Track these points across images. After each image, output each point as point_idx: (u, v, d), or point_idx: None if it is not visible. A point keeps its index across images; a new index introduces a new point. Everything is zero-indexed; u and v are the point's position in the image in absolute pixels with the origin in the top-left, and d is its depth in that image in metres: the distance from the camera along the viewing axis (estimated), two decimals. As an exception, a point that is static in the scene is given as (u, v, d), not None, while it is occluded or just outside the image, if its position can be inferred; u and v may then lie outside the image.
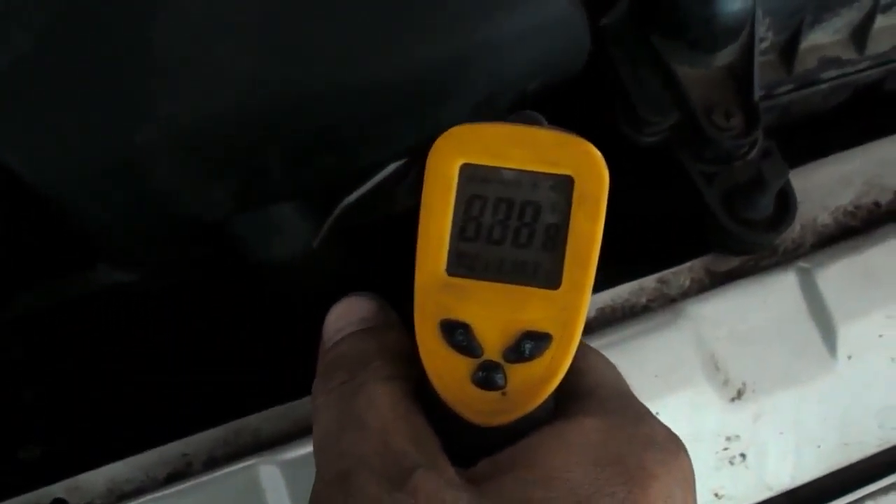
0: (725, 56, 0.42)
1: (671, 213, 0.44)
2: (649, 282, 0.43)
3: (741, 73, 0.41)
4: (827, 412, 0.41)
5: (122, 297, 0.42)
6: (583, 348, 0.29)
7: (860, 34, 0.44)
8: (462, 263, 0.27)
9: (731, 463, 0.40)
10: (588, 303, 0.27)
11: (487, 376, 0.27)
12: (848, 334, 0.41)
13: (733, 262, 0.43)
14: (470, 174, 0.27)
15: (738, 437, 0.40)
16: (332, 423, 0.28)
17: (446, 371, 0.27)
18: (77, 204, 0.35)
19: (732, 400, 0.40)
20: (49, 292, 0.44)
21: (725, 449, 0.40)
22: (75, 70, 0.32)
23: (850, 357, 0.41)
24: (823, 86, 0.45)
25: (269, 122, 0.36)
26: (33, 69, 0.32)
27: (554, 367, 0.27)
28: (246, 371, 0.44)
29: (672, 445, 0.27)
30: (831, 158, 0.45)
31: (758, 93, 0.42)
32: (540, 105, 0.44)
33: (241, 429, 0.39)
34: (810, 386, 0.40)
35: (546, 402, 0.27)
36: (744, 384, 0.40)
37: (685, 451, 0.28)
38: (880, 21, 0.43)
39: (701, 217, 0.43)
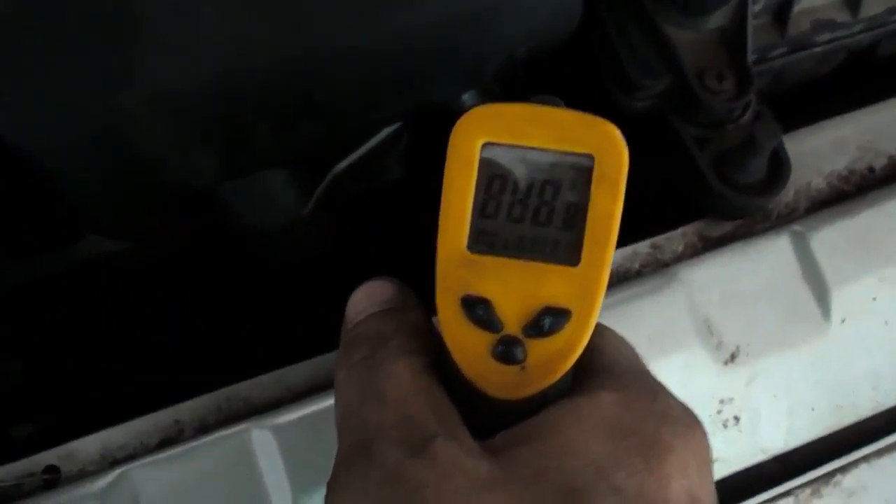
0: (717, 19, 0.42)
1: (664, 179, 0.44)
2: (642, 247, 0.43)
3: (733, 35, 0.41)
4: (820, 375, 0.41)
5: (111, 268, 0.42)
6: (600, 327, 0.30)
7: (853, -3, 0.44)
8: (483, 240, 0.28)
9: (725, 426, 0.40)
10: (607, 279, 0.28)
11: (507, 350, 0.27)
12: (841, 297, 0.41)
13: (727, 227, 0.43)
14: (492, 152, 0.28)
15: (731, 400, 0.40)
16: (354, 396, 0.29)
17: (467, 345, 0.28)
18: (62, 169, 0.35)
19: (726, 363, 0.40)
20: (38, 265, 0.44)
21: (719, 412, 0.40)
22: (57, 31, 0.32)
23: (843, 320, 0.41)
24: (817, 49, 0.44)
25: (255, 87, 0.35)
26: (13, 31, 0.32)
27: (573, 343, 0.27)
28: (237, 339, 0.43)
29: (688, 420, 0.28)
30: (825, 124, 0.45)
31: (750, 55, 0.41)
32: (531, 71, 0.44)
33: (233, 395, 0.39)
34: (804, 349, 0.40)
35: (564, 376, 0.28)
36: (737, 347, 0.40)
37: (701, 426, 0.28)
38: (873, -17, 0.43)
39: (694, 182, 0.43)
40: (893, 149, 0.45)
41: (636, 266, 0.43)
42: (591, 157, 0.27)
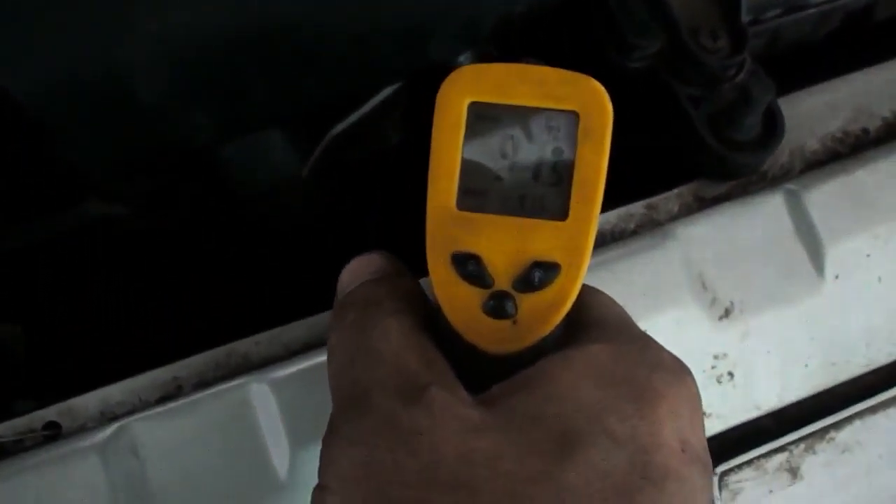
0: (712, -22, 0.42)
1: (660, 139, 0.44)
2: (637, 208, 0.43)
3: (725, -4, 0.41)
4: (814, 332, 0.41)
5: (106, 227, 0.42)
6: (589, 287, 0.30)
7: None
8: (471, 198, 0.28)
9: (719, 381, 0.40)
10: (595, 232, 0.28)
11: (498, 305, 0.28)
12: (835, 254, 0.41)
13: (722, 187, 0.43)
14: (478, 111, 0.28)
15: (725, 355, 0.40)
16: (346, 355, 0.29)
17: (459, 301, 0.28)
18: (61, 125, 0.35)
19: (720, 319, 0.40)
20: (39, 227, 0.44)
21: (713, 367, 0.40)
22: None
23: (837, 277, 0.41)
24: (812, 10, 0.44)
25: (252, 43, 0.35)
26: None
27: (563, 296, 0.28)
28: (235, 299, 0.44)
29: (679, 368, 0.28)
30: (820, 86, 0.45)
31: (745, 14, 0.41)
32: (527, 30, 0.44)
33: (231, 353, 0.40)
34: (798, 305, 0.41)
35: (555, 330, 0.28)
36: (731, 303, 0.40)
37: (691, 374, 0.29)
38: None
39: (690, 141, 0.43)
40: (887, 111, 0.46)
41: (631, 226, 0.43)
42: (576, 114, 0.28)
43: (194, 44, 0.34)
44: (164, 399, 0.39)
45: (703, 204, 0.43)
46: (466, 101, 0.28)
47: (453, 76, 0.28)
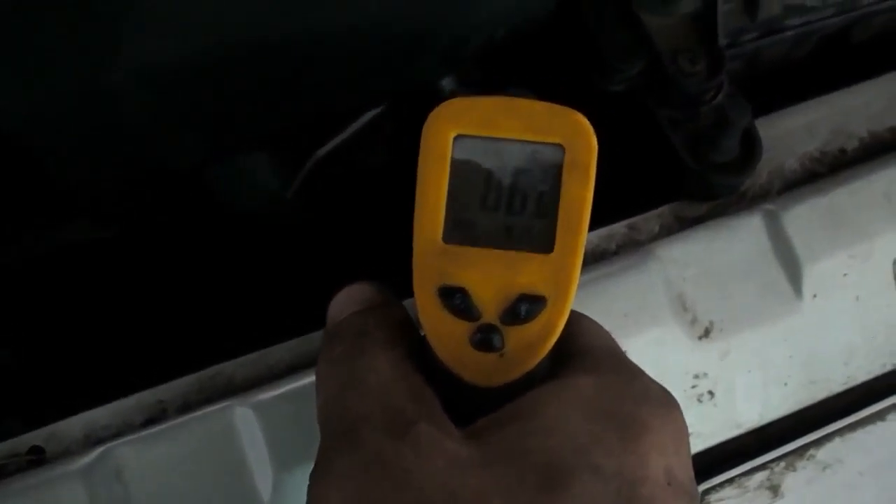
0: (690, 3, 0.43)
1: (641, 160, 0.45)
2: (619, 228, 0.43)
3: (705, 18, 0.42)
4: (793, 351, 0.41)
5: (92, 249, 0.43)
6: (576, 313, 0.31)
7: (822, -20, 0.44)
8: (458, 231, 0.28)
9: (700, 401, 0.40)
10: (580, 265, 0.28)
11: (485, 338, 0.28)
12: (813, 274, 0.41)
13: (702, 207, 0.44)
14: (464, 144, 0.28)
15: (705, 375, 0.40)
16: (335, 387, 0.29)
17: (446, 334, 0.28)
18: (47, 148, 0.36)
19: (700, 338, 0.40)
20: (25, 247, 0.44)
21: (694, 387, 0.40)
22: (42, 9, 0.32)
23: (815, 296, 0.41)
24: (788, 33, 0.45)
25: (237, 67, 0.36)
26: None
27: (549, 328, 0.28)
28: (219, 319, 0.44)
29: (665, 400, 0.28)
30: (798, 107, 0.46)
31: (722, 38, 0.42)
32: (510, 53, 0.44)
33: (216, 375, 0.40)
34: (777, 325, 0.41)
35: (542, 362, 0.29)
36: (711, 323, 0.40)
37: (678, 406, 0.29)
38: (842, -33, 0.44)
39: (669, 162, 0.43)
40: (864, 131, 0.46)
41: (613, 246, 0.43)
42: (561, 147, 0.28)
43: (179, 69, 0.34)
44: (148, 422, 0.39)
45: (683, 224, 0.44)
46: (452, 134, 0.28)
47: (439, 110, 0.29)
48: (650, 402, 0.28)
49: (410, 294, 0.38)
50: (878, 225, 0.42)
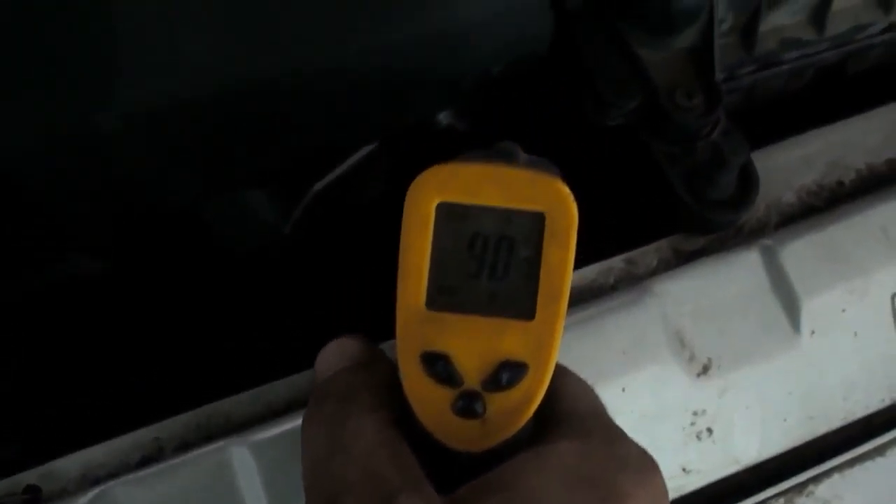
0: (686, 38, 0.43)
1: (639, 194, 0.45)
2: (617, 262, 0.43)
3: (702, 54, 0.42)
4: (792, 386, 0.41)
5: (90, 286, 0.43)
6: (559, 370, 0.31)
7: (819, 16, 0.44)
8: (441, 297, 0.29)
9: (699, 438, 0.40)
10: (561, 332, 0.29)
11: (467, 405, 0.28)
12: (811, 310, 0.41)
13: (700, 241, 0.44)
14: (447, 212, 0.29)
15: (704, 411, 0.40)
16: (321, 450, 0.29)
17: (428, 401, 0.29)
18: (42, 188, 0.36)
19: (698, 375, 0.40)
20: (23, 283, 0.44)
21: (692, 424, 0.40)
22: (36, 53, 0.33)
23: (813, 332, 0.41)
24: (785, 67, 0.45)
25: (232, 107, 0.36)
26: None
27: (531, 395, 0.29)
28: (217, 355, 0.44)
29: (646, 465, 0.29)
30: (795, 140, 0.46)
31: (718, 73, 0.42)
32: (508, 87, 0.44)
33: (213, 413, 0.40)
34: (775, 361, 0.41)
35: (524, 427, 0.29)
36: (709, 360, 0.40)
37: (658, 471, 0.29)
38: (838, 3, 0.44)
39: (666, 197, 0.43)
40: (862, 163, 0.46)
41: (611, 281, 0.43)
42: (542, 215, 0.28)
43: (170, 111, 0.35)
44: (145, 460, 0.39)
45: (681, 258, 0.44)
46: (435, 202, 0.28)
47: (423, 177, 0.29)
48: (631, 469, 0.28)
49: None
50: (875, 260, 0.42)
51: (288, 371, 0.40)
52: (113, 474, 0.38)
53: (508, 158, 0.29)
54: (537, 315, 0.28)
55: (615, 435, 0.30)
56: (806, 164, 0.46)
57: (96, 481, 0.38)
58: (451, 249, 0.29)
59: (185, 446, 0.39)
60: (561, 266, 0.28)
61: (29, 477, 0.38)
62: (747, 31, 0.44)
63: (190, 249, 0.43)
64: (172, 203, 0.39)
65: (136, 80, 0.34)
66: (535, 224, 0.28)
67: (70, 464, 0.38)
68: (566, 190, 0.28)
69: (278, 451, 0.37)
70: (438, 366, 0.28)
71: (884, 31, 0.47)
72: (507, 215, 0.28)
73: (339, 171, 0.45)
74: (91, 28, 0.33)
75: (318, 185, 0.45)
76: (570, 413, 0.30)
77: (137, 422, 0.39)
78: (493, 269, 0.29)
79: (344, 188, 0.45)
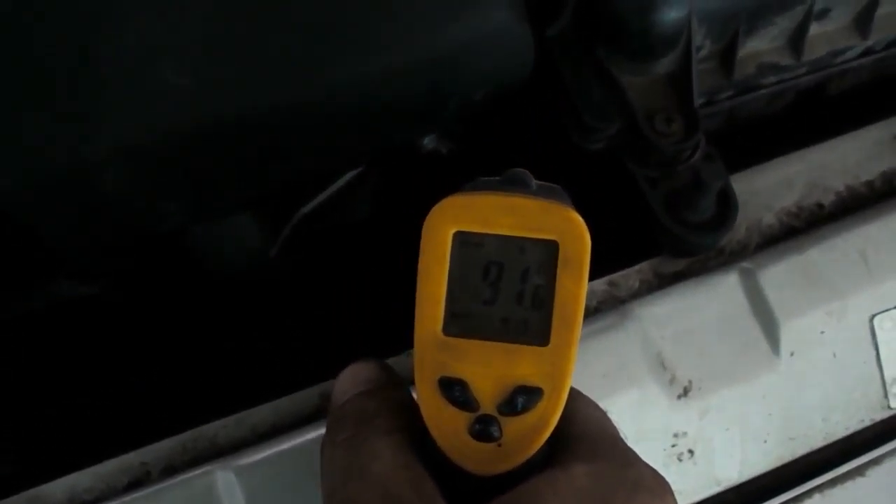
0: (666, 64, 0.43)
1: (621, 217, 0.45)
2: (599, 284, 0.44)
3: (681, 80, 0.43)
4: (772, 408, 0.42)
5: (75, 310, 0.43)
6: (572, 394, 0.31)
7: (796, 41, 0.45)
8: (457, 324, 0.29)
9: (680, 459, 0.41)
10: (575, 357, 0.29)
11: (484, 429, 0.29)
12: (790, 331, 0.42)
13: (681, 263, 0.44)
14: (463, 240, 0.29)
15: (685, 433, 0.41)
16: (338, 473, 0.30)
17: (445, 424, 0.29)
18: (31, 217, 0.36)
19: (679, 397, 0.41)
20: (6, 306, 0.44)
21: (673, 446, 0.41)
22: (23, 85, 0.33)
23: (792, 354, 0.42)
24: (763, 91, 0.46)
25: (215, 139, 0.37)
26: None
27: (545, 419, 0.29)
28: (203, 378, 0.44)
29: (658, 488, 0.29)
30: (775, 162, 0.47)
31: (697, 99, 0.43)
32: (492, 112, 0.45)
33: (199, 437, 0.40)
34: (755, 383, 0.41)
35: (539, 451, 0.29)
36: (690, 382, 0.41)
37: (671, 492, 0.29)
38: (815, 28, 0.45)
39: (647, 220, 0.44)
40: (841, 185, 0.47)
41: (594, 303, 0.44)
42: (556, 243, 0.29)
43: (157, 144, 0.35)
44: (132, 485, 0.39)
45: (662, 280, 0.44)
46: (452, 231, 0.29)
47: (440, 206, 0.30)
48: (644, 490, 0.28)
49: (401, 348, 0.38)
50: (853, 282, 0.42)
51: (273, 395, 0.41)
52: (99, 499, 0.39)
53: (522, 186, 0.30)
54: (551, 341, 0.29)
55: (628, 458, 0.30)
56: (786, 187, 0.47)
57: (83, 506, 0.38)
58: (467, 277, 0.29)
59: (171, 470, 0.39)
60: (574, 293, 0.29)
61: (16, 502, 0.38)
62: (726, 56, 0.44)
63: (177, 272, 0.44)
64: (157, 229, 0.39)
65: (118, 114, 0.34)
66: (549, 252, 0.29)
67: (57, 488, 0.39)
68: (579, 219, 0.29)
69: (263, 475, 0.38)
70: (455, 390, 0.29)
71: (862, 54, 0.47)
72: (522, 244, 0.29)
73: (325, 194, 0.45)
74: (78, 62, 0.34)
75: (305, 209, 0.45)
76: (584, 436, 0.30)
77: (124, 445, 0.40)
78: (508, 296, 0.29)
79: (330, 210, 0.46)
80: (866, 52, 0.47)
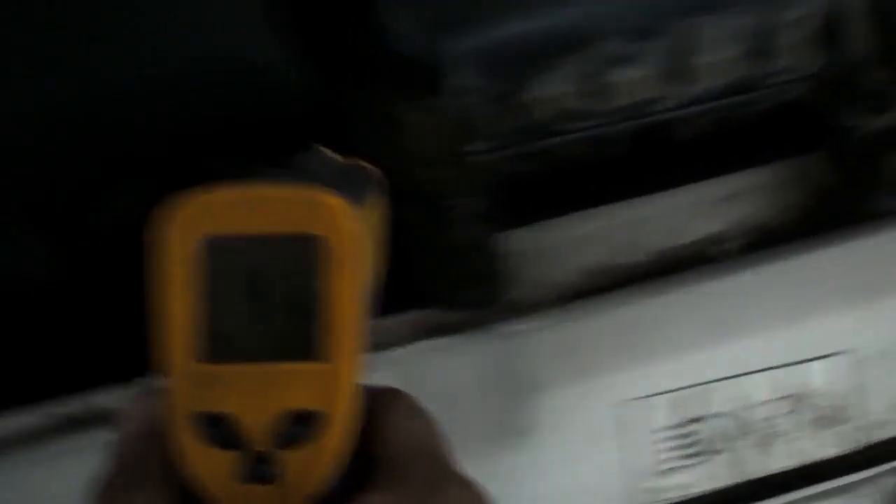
0: (446, 104, 0.40)
1: (397, 266, 0.43)
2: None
3: (457, 122, 0.40)
4: (520, 488, 0.39)
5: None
6: (384, 404, 0.27)
7: (594, 88, 0.41)
8: (212, 347, 0.25)
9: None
10: (356, 369, 0.25)
11: (256, 469, 0.25)
12: (542, 407, 0.39)
13: (452, 316, 0.42)
14: (210, 246, 0.25)
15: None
16: None
17: (209, 471, 0.25)
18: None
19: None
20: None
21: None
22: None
23: (545, 431, 0.39)
24: (573, 136, 0.42)
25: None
26: None
27: (331, 446, 0.25)
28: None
29: None
30: (578, 216, 0.43)
31: (478, 142, 0.40)
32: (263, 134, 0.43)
33: None
34: (503, 461, 0.39)
35: (333, 482, 0.25)
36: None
37: None
38: (616, 75, 0.40)
39: (424, 272, 0.41)
40: (651, 246, 0.43)
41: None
42: (315, 237, 0.24)
43: None
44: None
45: (430, 332, 0.42)
46: (196, 236, 0.24)
47: (179, 210, 0.24)
48: None
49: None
50: (612, 362, 0.39)
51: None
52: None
53: (290, 172, 0.26)
54: (324, 355, 0.24)
55: (437, 480, 0.26)
56: (593, 242, 0.43)
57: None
58: (218, 289, 0.25)
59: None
60: (343, 296, 0.24)
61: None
62: (513, 99, 0.41)
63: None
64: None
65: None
66: (310, 249, 0.24)
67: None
68: (337, 204, 0.24)
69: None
70: (218, 428, 0.25)
71: (688, 104, 0.43)
72: (277, 242, 0.25)
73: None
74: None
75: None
76: (390, 457, 0.26)
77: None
78: (269, 307, 0.25)
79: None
80: (694, 102, 0.42)
